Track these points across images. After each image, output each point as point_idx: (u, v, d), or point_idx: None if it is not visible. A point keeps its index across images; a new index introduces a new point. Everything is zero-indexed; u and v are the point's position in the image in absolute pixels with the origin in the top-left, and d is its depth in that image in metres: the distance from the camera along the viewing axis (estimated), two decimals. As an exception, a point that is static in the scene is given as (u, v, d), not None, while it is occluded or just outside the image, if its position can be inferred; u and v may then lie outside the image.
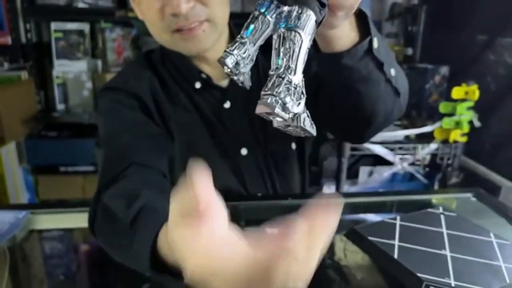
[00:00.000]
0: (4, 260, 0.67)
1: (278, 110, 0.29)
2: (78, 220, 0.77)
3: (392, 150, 1.83)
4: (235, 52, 0.38)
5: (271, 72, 0.31)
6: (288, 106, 0.30)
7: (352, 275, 0.65)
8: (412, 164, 1.76)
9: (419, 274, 0.58)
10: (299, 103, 0.31)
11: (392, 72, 0.64)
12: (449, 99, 1.66)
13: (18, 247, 0.73)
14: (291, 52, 0.31)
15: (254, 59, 0.40)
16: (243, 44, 0.38)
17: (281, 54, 0.31)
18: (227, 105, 0.83)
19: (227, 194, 0.90)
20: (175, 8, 0.69)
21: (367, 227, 0.72)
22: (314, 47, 0.57)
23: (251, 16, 0.38)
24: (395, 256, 0.62)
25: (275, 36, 0.32)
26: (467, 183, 1.78)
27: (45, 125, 2.12)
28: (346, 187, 1.83)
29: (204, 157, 0.86)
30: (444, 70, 1.89)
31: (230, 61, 0.38)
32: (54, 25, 2.10)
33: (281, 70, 0.31)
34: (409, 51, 2.01)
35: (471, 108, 1.61)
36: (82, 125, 2.02)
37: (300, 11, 0.32)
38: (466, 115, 1.59)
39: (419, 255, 0.63)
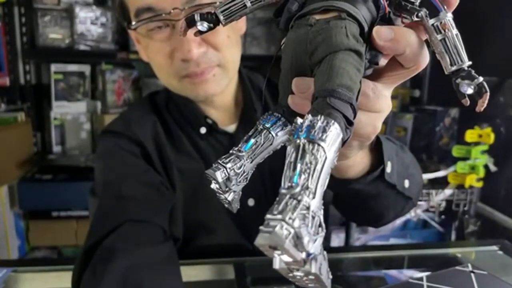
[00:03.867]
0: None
1: (288, 244, 0.21)
2: (64, 279, 0.69)
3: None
4: (229, 165, 0.32)
5: (282, 191, 0.23)
6: (304, 241, 0.21)
7: None
8: (426, 210, 1.68)
9: None
10: (316, 240, 0.22)
11: (406, 183, 0.62)
12: (460, 142, 1.61)
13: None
14: (312, 170, 0.23)
15: (249, 178, 0.33)
16: (240, 158, 0.32)
17: (299, 169, 0.23)
18: None
19: (230, 249, 0.83)
20: (185, 54, 0.64)
21: (391, 290, 0.63)
22: None
23: (253, 129, 0.34)
24: (429, 328, 0.54)
25: (290, 148, 0.25)
26: (485, 232, 1.70)
27: (40, 168, 2.04)
28: (356, 235, 1.74)
29: (206, 208, 0.80)
30: (454, 112, 1.84)
31: (220, 175, 0.32)
32: (54, 67, 2.07)
33: (297, 189, 0.23)
34: (416, 93, 1.98)
35: (485, 152, 1.55)
36: (78, 168, 1.95)
37: (326, 123, 0.25)
38: (481, 159, 1.53)
39: (455, 326, 0.55)
